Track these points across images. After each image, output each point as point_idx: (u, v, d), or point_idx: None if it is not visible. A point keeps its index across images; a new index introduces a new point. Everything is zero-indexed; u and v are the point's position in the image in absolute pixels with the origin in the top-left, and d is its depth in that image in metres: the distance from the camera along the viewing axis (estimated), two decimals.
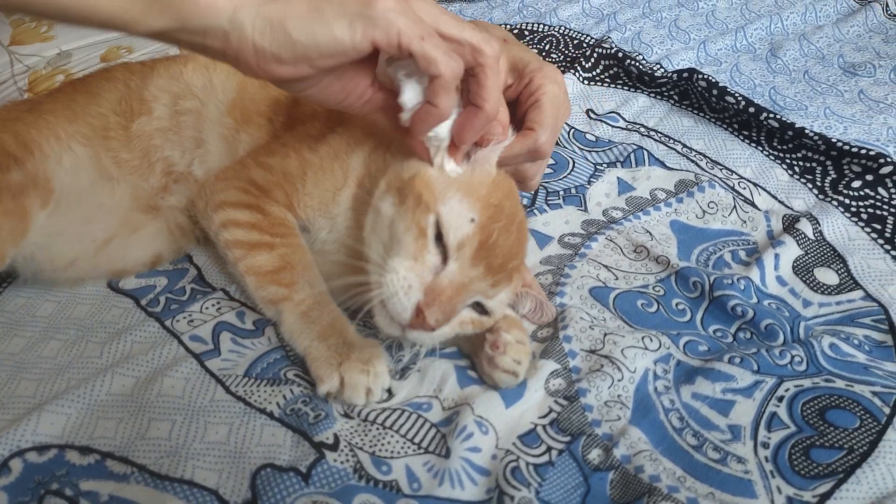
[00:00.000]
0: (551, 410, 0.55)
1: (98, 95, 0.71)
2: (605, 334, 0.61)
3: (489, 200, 0.55)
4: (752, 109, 0.85)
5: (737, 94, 0.86)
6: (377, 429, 0.54)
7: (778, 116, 0.84)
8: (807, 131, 0.82)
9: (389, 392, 0.57)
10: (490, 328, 0.58)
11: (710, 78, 0.89)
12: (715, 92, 0.88)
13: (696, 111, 0.91)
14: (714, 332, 0.64)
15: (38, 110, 0.71)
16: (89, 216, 0.68)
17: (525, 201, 0.76)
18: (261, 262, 0.62)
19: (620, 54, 0.97)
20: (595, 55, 0.97)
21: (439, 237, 0.53)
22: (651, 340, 0.60)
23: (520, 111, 0.60)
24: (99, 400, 0.55)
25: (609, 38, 1.03)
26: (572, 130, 0.88)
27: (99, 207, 0.68)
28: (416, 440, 0.53)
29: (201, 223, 0.68)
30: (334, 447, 0.52)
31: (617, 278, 0.68)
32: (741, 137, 0.87)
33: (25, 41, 1.24)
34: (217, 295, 0.65)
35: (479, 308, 0.56)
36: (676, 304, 0.66)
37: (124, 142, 0.69)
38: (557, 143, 0.86)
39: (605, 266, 0.69)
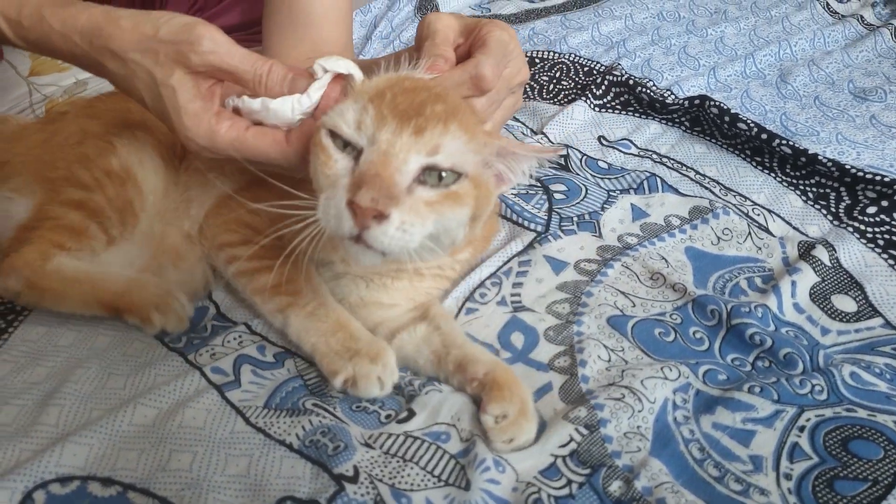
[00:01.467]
0: (571, 440, 0.55)
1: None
2: (625, 365, 0.62)
3: (374, 86, 0.55)
4: (764, 136, 0.86)
5: (749, 121, 0.88)
6: (397, 461, 0.54)
7: (791, 143, 0.85)
8: (820, 157, 0.83)
9: (409, 412, 0.58)
10: (482, 388, 0.56)
11: (722, 105, 0.90)
12: (727, 118, 0.89)
13: (707, 137, 0.92)
14: (732, 360, 0.64)
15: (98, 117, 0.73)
16: (136, 244, 0.70)
17: (539, 228, 0.77)
18: (264, 281, 0.64)
19: (631, 81, 0.99)
20: (606, 82, 0.99)
21: (344, 147, 0.52)
22: (671, 370, 0.60)
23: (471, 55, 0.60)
24: (121, 431, 0.56)
25: (619, 64, 1.05)
26: (585, 157, 0.89)
27: (144, 238, 0.71)
28: (436, 472, 0.53)
29: (210, 262, 0.71)
30: (354, 479, 0.52)
31: (634, 305, 0.69)
32: (754, 164, 0.88)
33: (44, 72, 1.28)
34: (239, 329, 0.67)
35: (438, 177, 0.51)
36: (694, 333, 0.66)
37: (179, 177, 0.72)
38: (569, 170, 0.87)
39: (623, 293, 0.70)
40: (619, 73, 1.01)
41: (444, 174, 0.52)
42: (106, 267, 0.68)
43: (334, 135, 0.54)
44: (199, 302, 0.72)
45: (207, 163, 0.69)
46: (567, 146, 0.91)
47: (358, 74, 0.57)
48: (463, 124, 0.53)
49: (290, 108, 0.56)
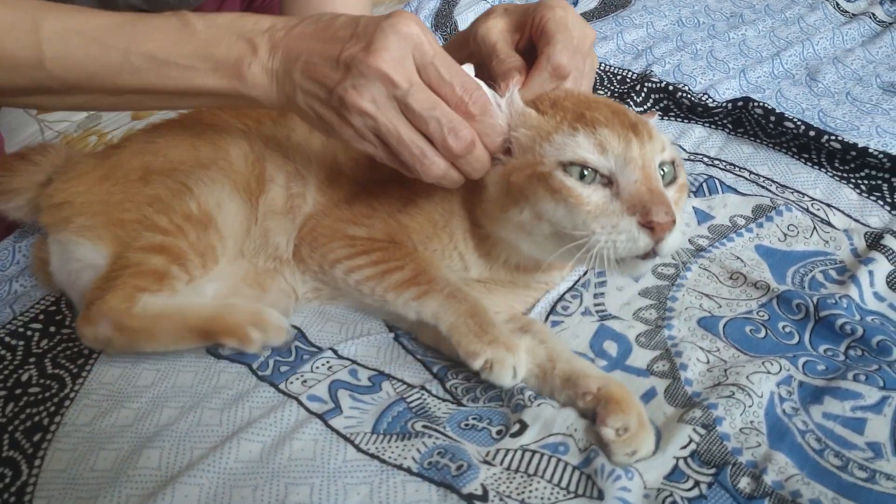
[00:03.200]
0: (690, 441, 0.57)
1: (223, 149, 0.73)
2: (725, 364, 0.64)
3: (551, 118, 0.59)
4: (812, 133, 0.91)
5: (795, 119, 0.92)
6: (521, 476, 0.55)
7: (839, 138, 0.90)
8: (871, 150, 0.88)
9: (521, 424, 0.59)
10: (597, 402, 0.59)
11: (766, 105, 0.95)
12: (772, 118, 0.94)
13: (752, 138, 0.97)
14: (825, 351, 0.67)
15: (163, 154, 0.74)
16: (214, 280, 0.70)
17: None
18: (396, 278, 0.66)
19: (670, 87, 1.03)
20: (645, 89, 1.04)
21: (581, 177, 0.57)
22: (771, 364, 0.63)
23: (538, 51, 0.64)
24: (229, 468, 0.56)
25: (652, 71, 1.10)
26: None
27: (222, 275, 0.71)
28: (563, 484, 0.55)
29: (324, 280, 0.72)
30: (484, 497, 0.53)
31: (720, 306, 0.71)
32: (803, 160, 0.92)
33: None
34: (326, 355, 0.67)
35: (663, 173, 0.58)
36: (783, 328, 0.69)
37: (255, 214, 0.73)
38: None
39: (707, 295, 0.73)
40: (656, 80, 1.05)
41: (666, 168, 0.58)
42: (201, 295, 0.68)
43: (569, 169, 0.57)
44: None
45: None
46: None
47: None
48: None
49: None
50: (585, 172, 0.57)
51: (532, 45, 0.65)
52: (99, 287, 0.66)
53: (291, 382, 0.64)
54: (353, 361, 0.67)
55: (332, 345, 0.69)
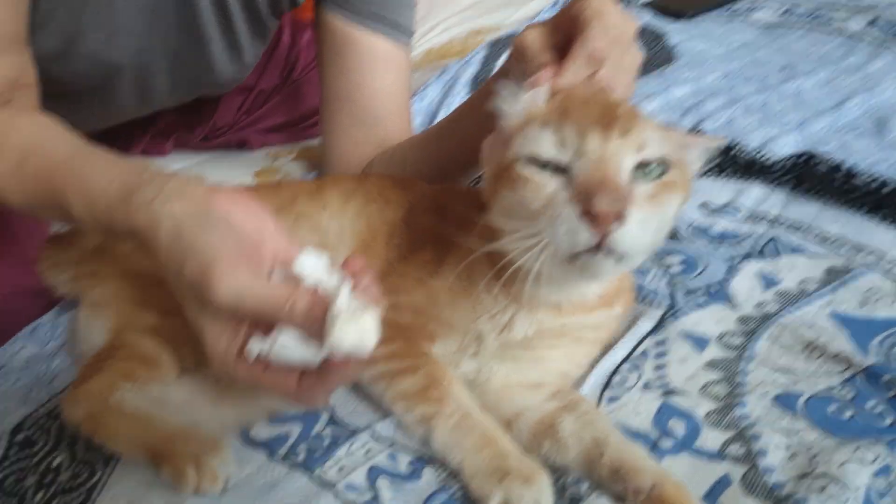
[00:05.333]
0: None
1: None
2: (808, 450, 0.58)
3: (548, 109, 0.57)
4: (885, 189, 0.86)
5: (866, 175, 0.88)
6: None
7: None
8: None
9: None
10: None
11: (832, 160, 0.90)
12: (840, 174, 0.89)
13: (818, 196, 0.92)
14: None
15: None
16: None
17: (665, 302, 0.75)
18: (406, 385, 0.63)
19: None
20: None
21: (543, 167, 0.55)
22: (866, 452, 0.57)
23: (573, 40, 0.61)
24: None
25: (702, 128, 1.06)
26: (692, 226, 0.89)
27: None
28: None
29: None
30: None
31: (797, 382, 0.65)
32: (878, 218, 0.86)
33: None
34: (362, 437, 0.64)
35: (645, 174, 0.54)
36: (873, 407, 0.63)
37: None
38: (678, 239, 0.86)
39: (781, 369, 0.67)
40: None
41: (651, 168, 0.55)
42: (185, 389, 0.67)
43: (531, 162, 0.56)
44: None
45: None
46: None
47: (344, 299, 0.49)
48: (645, 117, 0.57)
49: (303, 351, 0.51)
50: (545, 166, 0.55)
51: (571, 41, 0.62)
52: (90, 366, 0.66)
53: (326, 470, 0.61)
54: (392, 444, 0.63)
55: (368, 424, 0.65)
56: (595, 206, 0.50)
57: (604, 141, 0.53)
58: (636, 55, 0.63)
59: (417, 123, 1.28)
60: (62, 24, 0.83)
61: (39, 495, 0.61)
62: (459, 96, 1.33)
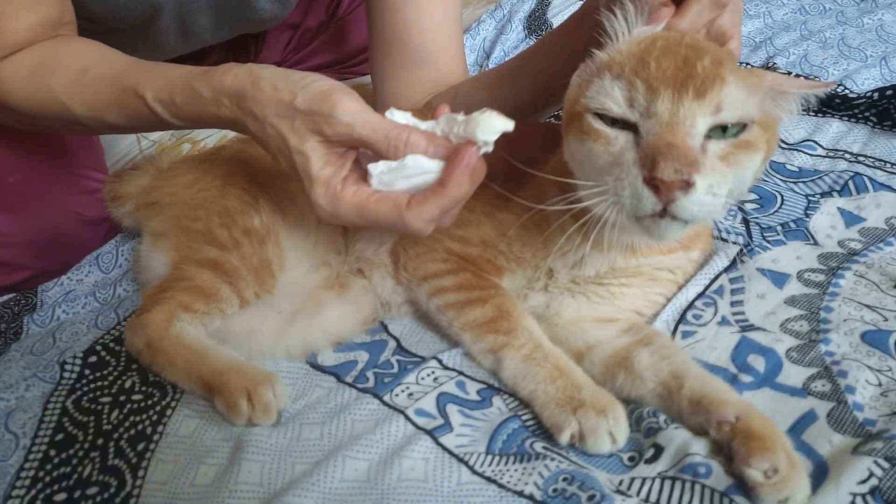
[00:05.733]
0: (871, 475, 0.48)
1: None
2: None
3: (628, 54, 0.53)
4: None
5: None
6: None
7: None
8: None
9: (656, 448, 0.53)
10: (734, 435, 0.51)
11: None
12: None
13: None
14: None
15: (248, 162, 0.75)
16: (280, 289, 0.69)
17: (741, 240, 0.72)
18: (475, 315, 0.63)
19: (801, 78, 0.94)
20: None
21: (614, 122, 0.52)
22: None
23: None
24: (334, 488, 0.53)
25: (775, 63, 1.01)
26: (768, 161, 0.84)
27: (294, 284, 0.70)
28: None
29: (412, 297, 0.69)
30: None
31: (886, 319, 0.62)
32: None
33: None
34: (431, 364, 0.63)
35: (725, 130, 0.51)
36: None
37: (337, 227, 0.72)
38: None
39: (868, 306, 0.64)
40: (781, 72, 0.97)
41: (729, 128, 0.51)
42: (247, 321, 0.67)
43: (601, 116, 0.53)
44: (376, 335, 0.69)
45: None
46: None
47: (491, 137, 0.54)
48: (733, 71, 0.52)
49: (426, 164, 0.55)
50: (615, 122, 0.53)
51: None
52: (151, 296, 0.66)
53: (397, 395, 0.61)
54: (460, 373, 0.63)
55: (436, 353, 0.65)
56: (659, 173, 0.48)
57: (675, 102, 0.50)
58: (740, 3, 0.59)
59: (471, 61, 1.24)
60: None
61: (115, 413, 0.62)
62: (515, 33, 1.29)
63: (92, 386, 0.63)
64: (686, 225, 0.52)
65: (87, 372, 0.65)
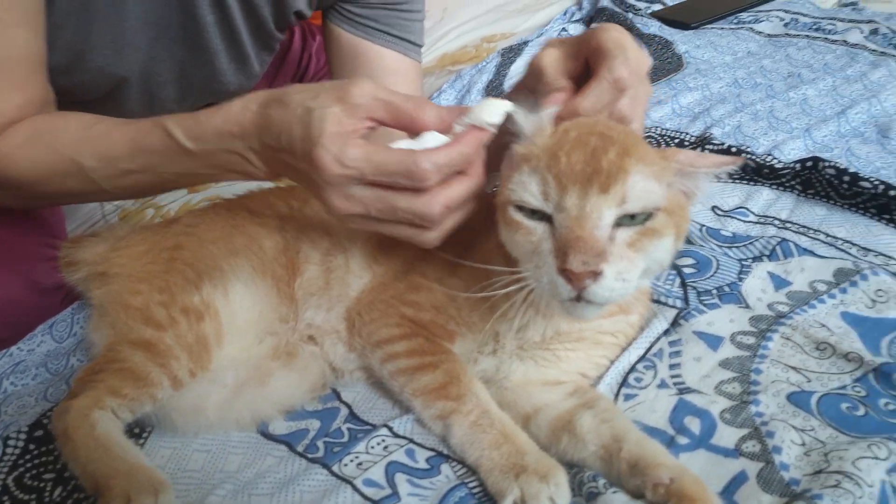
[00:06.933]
0: None
1: (256, 240, 0.75)
2: (823, 446, 0.58)
3: (543, 147, 0.58)
4: (892, 192, 0.86)
5: (872, 179, 0.88)
6: None
7: None
8: None
9: None
10: (669, 497, 0.54)
11: (838, 164, 0.91)
12: (846, 178, 0.90)
13: (825, 199, 0.92)
14: None
15: (197, 236, 0.75)
16: (224, 362, 0.69)
17: (679, 303, 0.76)
18: (426, 381, 0.64)
19: (733, 149, 1.01)
20: (706, 152, 1.01)
21: (533, 213, 0.57)
22: (878, 448, 0.57)
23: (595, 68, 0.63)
24: None
25: (711, 133, 1.08)
26: (704, 227, 0.89)
27: (237, 358, 0.70)
28: None
29: (365, 362, 0.71)
30: None
31: (810, 381, 0.66)
32: (884, 221, 0.87)
33: None
34: (381, 432, 0.65)
35: (632, 218, 0.55)
36: (885, 405, 0.63)
37: (284, 297, 0.73)
38: (691, 242, 0.87)
39: (793, 367, 0.67)
40: (717, 142, 1.03)
41: (636, 215, 0.55)
42: (192, 398, 0.66)
43: (521, 207, 0.57)
44: (328, 403, 0.70)
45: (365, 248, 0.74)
46: None
47: (497, 118, 0.60)
48: (639, 158, 0.56)
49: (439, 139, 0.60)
50: (534, 213, 0.57)
51: (588, 70, 0.64)
52: (81, 379, 0.65)
53: (346, 464, 0.62)
54: (411, 440, 0.64)
55: (386, 421, 0.66)
56: (569, 265, 0.52)
57: (583, 197, 0.54)
58: (649, 89, 0.65)
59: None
60: (70, 40, 0.84)
61: (58, 490, 0.61)
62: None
63: (36, 462, 0.63)
64: (601, 307, 0.56)
65: (31, 447, 0.64)
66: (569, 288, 0.53)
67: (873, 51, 1.35)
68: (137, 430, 0.68)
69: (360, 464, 0.61)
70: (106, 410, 0.62)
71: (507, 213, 0.58)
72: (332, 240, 0.75)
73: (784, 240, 0.84)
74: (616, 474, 0.58)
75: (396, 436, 0.64)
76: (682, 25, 1.55)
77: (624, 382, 0.68)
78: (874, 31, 1.41)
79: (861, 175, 0.90)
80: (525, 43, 1.53)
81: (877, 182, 0.88)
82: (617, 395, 0.67)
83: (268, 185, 0.81)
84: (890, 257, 0.82)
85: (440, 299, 0.68)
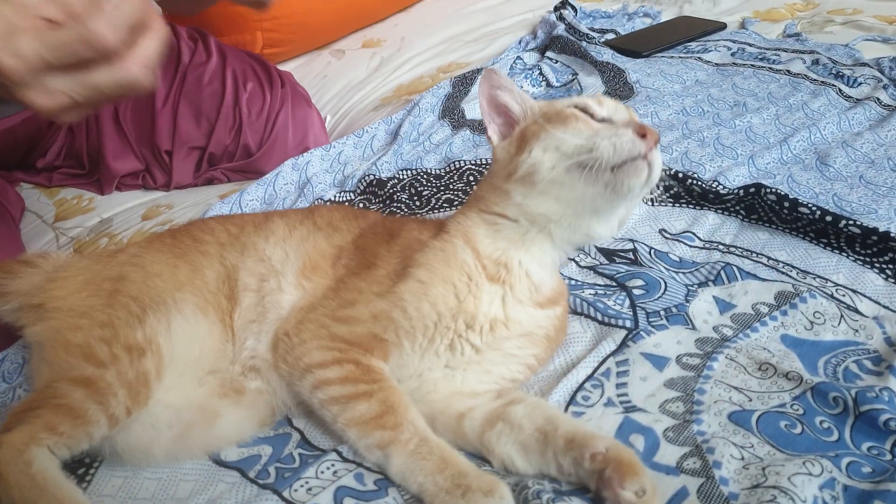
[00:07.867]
0: None
1: (199, 271, 0.74)
2: (761, 462, 0.60)
3: None
4: (829, 218, 0.90)
5: (810, 205, 0.92)
6: None
7: (858, 222, 0.89)
8: (893, 234, 0.87)
9: None
10: (605, 467, 0.58)
11: (779, 191, 0.95)
12: (786, 204, 0.94)
13: (767, 224, 0.96)
14: (868, 449, 0.63)
15: (142, 268, 0.74)
16: (168, 405, 0.68)
17: (628, 324, 0.78)
18: (361, 410, 0.64)
19: (680, 174, 1.04)
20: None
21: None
22: (813, 465, 0.59)
23: None
24: None
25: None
26: (653, 250, 0.92)
27: (180, 395, 0.69)
28: None
29: (293, 390, 0.70)
30: None
31: (751, 400, 0.68)
32: (822, 245, 0.91)
33: (68, 216, 1.32)
34: (330, 457, 0.65)
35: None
36: (821, 423, 0.66)
37: (229, 330, 0.73)
38: (639, 263, 0.90)
39: (735, 388, 0.70)
40: (665, 168, 1.07)
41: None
42: (140, 440, 0.65)
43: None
44: (280, 428, 0.70)
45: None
46: (633, 240, 0.94)
47: None
48: None
49: None
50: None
51: None
52: (16, 413, 0.62)
53: (296, 490, 0.61)
54: (359, 465, 0.64)
55: (336, 446, 0.66)
56: (648, 130, 0.67)
57: (628, 108, 0.74)
58: None
59: (382, 143, 1.33)
60: None
61: None
62: (427, 119, 1.37)
63: None
64: (647, 183, 0.69)
65: None
66: (643, 145, 0.65)
67: (814, 80, 1.41)
68: (88, 460, 0.66)
69: (309, 489, 0.61)
70: (42, 447, 0.59)
71: (565, 113, 0.70)
72: (265, 265, 0.75)
73: (728, 264, 0.88)
74: (553, 452, 0.61)
75: (345, 460, 0.64)
76: (634, 54, 1.60)
77: (572, 400, 0.70)
78: (815, 62, 1.48)
79: (801, 201, 0.94)
80: (477, 71, 1.56)
81: (814, 208, 0.92)
82: (565, 412, 0.68)
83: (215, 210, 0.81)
84: (826, 279, 0.86)
85: (380, 307, 0.68)
